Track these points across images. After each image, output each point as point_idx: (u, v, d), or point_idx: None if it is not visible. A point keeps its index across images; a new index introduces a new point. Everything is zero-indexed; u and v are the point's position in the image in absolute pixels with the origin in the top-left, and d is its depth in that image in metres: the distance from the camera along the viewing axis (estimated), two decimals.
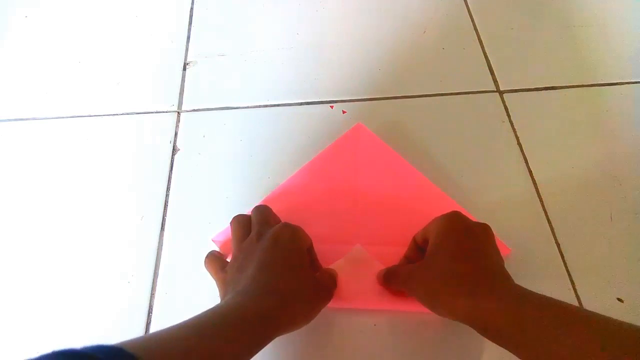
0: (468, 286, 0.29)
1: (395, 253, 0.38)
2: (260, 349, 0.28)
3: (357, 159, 0.44)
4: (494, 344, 0.32)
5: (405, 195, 0.42)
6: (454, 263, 0.30)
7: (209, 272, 0.35)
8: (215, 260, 0.35)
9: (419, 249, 0.36)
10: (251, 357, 0.27)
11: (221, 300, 0.32)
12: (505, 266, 0.37)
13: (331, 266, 0.38)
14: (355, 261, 0.38)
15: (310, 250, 0.36)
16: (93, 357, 0.20)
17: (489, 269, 0.30)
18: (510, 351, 0.27)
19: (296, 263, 0.32)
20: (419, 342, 0.36)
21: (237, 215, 0.37)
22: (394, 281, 0.35)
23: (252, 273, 0.31)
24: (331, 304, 0.35)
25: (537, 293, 0.28)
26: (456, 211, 0.34)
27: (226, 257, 0.37)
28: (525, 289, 0.28)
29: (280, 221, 0.37)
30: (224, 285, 0.33)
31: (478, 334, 0.35)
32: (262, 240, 0.33)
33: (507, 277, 0.30)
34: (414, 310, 0.35)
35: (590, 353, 0.23)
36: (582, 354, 0.23)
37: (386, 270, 0.37)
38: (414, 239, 0.37)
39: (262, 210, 0.37)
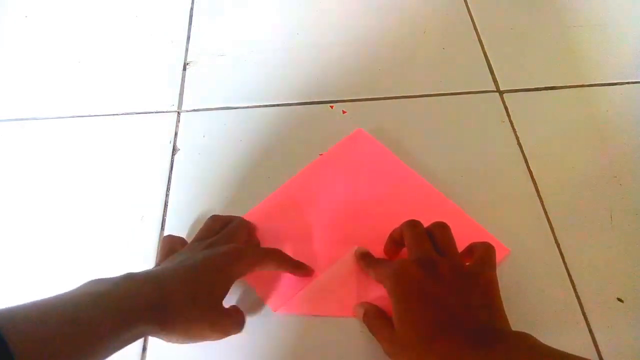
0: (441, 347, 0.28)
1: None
2: (129, 342, 0.27)
3: (357, 163, 0.44)
4: None
5: (406, 198, 0.42)
6: (426, 338, 0.28)
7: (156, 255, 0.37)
8: (165, 245, 0.37)
9: (395, 245, 0.37)
10: (119, 348, 0.26)
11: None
12: (505, 267, 0.37)
13: (328, 269, 0.38)
14: (353, 263, 0.38)
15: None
16: None
17: (473, 331, 0.28)
18: None
19: (212, 287, 0.31)
20: None
21: (213, 215, 0.39)
22: (378, 340, 0.33)
23: (171, 263, 0.32)
24: (325, 313, 0.36)
25: (533, 340, 0.27)
26: (400, 263, 0.32)
27: (255, 239, 0.39)
28: (522, 336, 0.27)
29: (252, 239, 0.38)
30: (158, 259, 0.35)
31: None
32: (209, 249, 0.33)
33: (494, 327, 0.29)
34: None
35: None
36: None
37: (369, 322, 0.34)
38: (391, 236, 0.37)
39: (237, 224, 0.37)
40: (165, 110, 0.49)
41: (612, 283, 0.38)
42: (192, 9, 0.57)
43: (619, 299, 0.37)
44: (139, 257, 0.40)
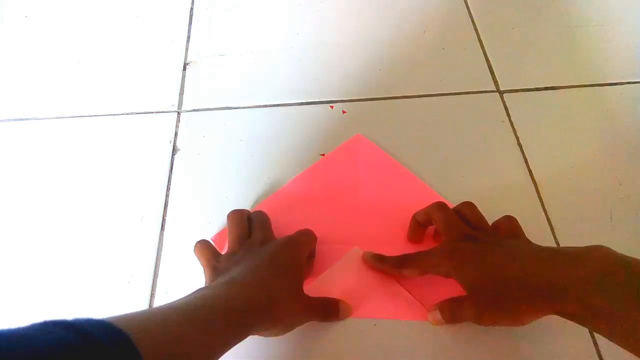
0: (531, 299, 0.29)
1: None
2: (240, 340, 0.28)
3: (356, 166, 0.44)
4: (496, 344, 0.32)
5: (405, 201, 0.42)
6: (501, 288, 0.30)
7: (199, 258, 0.36)
8: (207, 248, 0.36)
9: (421, 227, 0.38)
10: (230, 347, 0.27)
11: (208, 283, 0.33)
12: None
13: (328, 269, 0.38)
14: (352, 265, 0.38)
15: (311, 255, 0.37)
16: (81, 328, 0.20)
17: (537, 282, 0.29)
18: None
19: (293, 277, 0.33)
20: (419, 342, 0.36)
21: (234, 211, 0.38)
22: (444, 312, 0.34)
23: (248, 266, 0.32)
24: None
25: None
26: (448, 243, 0.34)
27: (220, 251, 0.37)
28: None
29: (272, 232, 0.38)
30: (215, 273, 0.33)
31: (478, 335, 0.35)
32: (266, 246, 0.34)
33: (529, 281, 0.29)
34: (410, 319, 0.36)
35: None
36: None
37: (449, 316, 0.34)
38: (415, 219, 0.37)
39: (265, 218, 0.38)
40: (165, 110, 0.49)
41: None
42: (192, 9, 0.57)
43: None
44: (139, 257, 0.40)
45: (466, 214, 0.36)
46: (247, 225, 0.37)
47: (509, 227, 0.35)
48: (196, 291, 0.30)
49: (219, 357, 0.27)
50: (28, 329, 0.19)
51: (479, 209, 0.37)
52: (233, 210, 0.38)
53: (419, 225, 0.38)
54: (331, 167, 0.44)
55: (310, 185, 0.43)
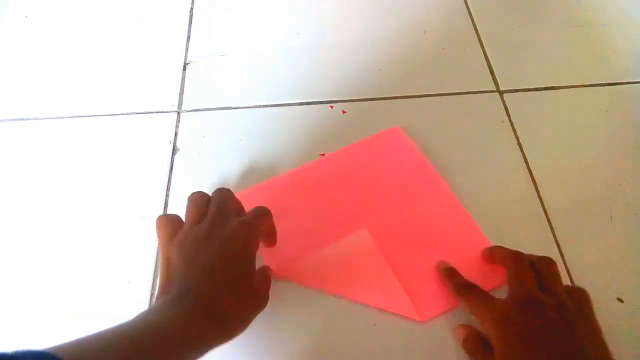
0: None
1: (402, 252, 0.39)
2: None
3: (384, 157, 0.45)
4: None
5: (427, 203, 0.42)
6: None
7: (157, 236, 0.35)
8: (166, 225, 0.34)
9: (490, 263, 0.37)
10: None
11: (159, 289, 0.32)
12: None
13: (330, 246, 0.38)
14: (356, 246, 0.39)
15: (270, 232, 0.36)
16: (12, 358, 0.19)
17: None
18: None
19: (242, 271, 0.31)
20: (419, 343, 0.36)
21: (194, 193, 0.36)
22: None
23: (196, 278, 0.30)
24: (318, 286, 0.37)
25: None
26: (504, 304, 0.31)
27: (241, 207, 0.37)
28: None
29: (240, 207, 0.37)
30: (166, 268, 0.32)
31: None
32: (215, 237, 0.31)
33: None
34: (400, 314, 0.36)
35: None
36: None
37: (469, 350, 0.33)
38: (485, 257, 0.37)
39: (223, 195, 0.35)
40: (165, 110, 0.49)
41: (612, 283, 0.38)
42: (192, 9, 0.57)
43: (619, 299, 0.37)
44: (139, 257, 0.40)
45: (542, 271, 0.33)
46: (204, 209, 0.35)
47: (580, 300, 0.32)
48: (139, 316, 0.28)
49: None
50: None
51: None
52: (193, 192, 0.36)
53: (486, 261, 0.37)
54: (360, 153, 0.45)
55: (330, 169, 0.44)
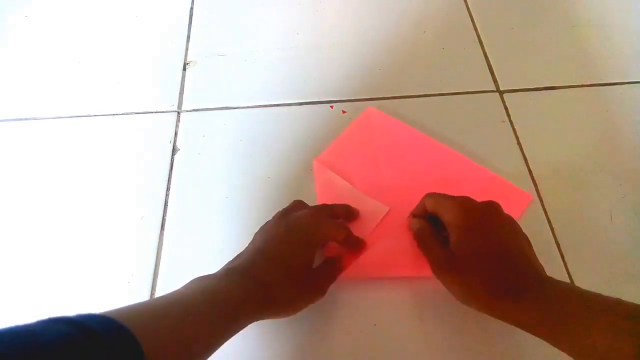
0: (510, 290, 0.29)
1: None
2: (239, 329, 0.29)
3: (375, 139, 0.45)
4: (495, 344, 0.32)
5: (432, 165, 0.44)
6: (489, 264, 0.30)
7: None
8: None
9: (426, 211, 0.37)
10: (229, 337, 0.28)
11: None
12: None
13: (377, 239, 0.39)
14: (370, 215, 0.40)
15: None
16: (84, 324, 0.21)
17: (525, 268, 0.30)
18: (551, 344, 0.27)
19: (298, 258, 0.33)
20: (419, 343, 0.36)
21: (297, 200, 0.39)
22: (423, 251, 0.35)
23: (252, 250, 0.33)
24: (385, 274, 0.38)
25: (575, 288, 0.29)
26: (466, 198, 0.34)
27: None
28: (562, 284, 0.29)
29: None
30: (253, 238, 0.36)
31: (478, 336, 0.35)
32: (282, 220, 0.35)
33: (540, 274, 0.30)
34: (416, 275, 0.37)
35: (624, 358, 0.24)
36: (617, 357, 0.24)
37: (421, 237, 0.36)
38: (424, 203, 0.37)
39: (301, 202, 0.39)
40: (165, 110, 0.49)
41: (612, 283, 0.38)
42: (192, 9, 0.57)
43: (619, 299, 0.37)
44: (139, 257, 0.40)
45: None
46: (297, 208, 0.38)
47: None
48: (194, 281, 0.30)
49: (218, 346, 0.27)
50: (34, 325, 0.21)
51: None
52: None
53: (424, 210, 0.38)
54: (348, 145, 0.45)
55: (331, 162, 0.44)
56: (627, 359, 0.23)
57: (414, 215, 0.39)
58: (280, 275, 0.31)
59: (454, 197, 0.35)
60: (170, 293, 0.28)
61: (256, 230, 0.36)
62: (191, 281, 0.30)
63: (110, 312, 0.23)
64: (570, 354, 0.26)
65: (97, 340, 0.21)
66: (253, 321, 0.30)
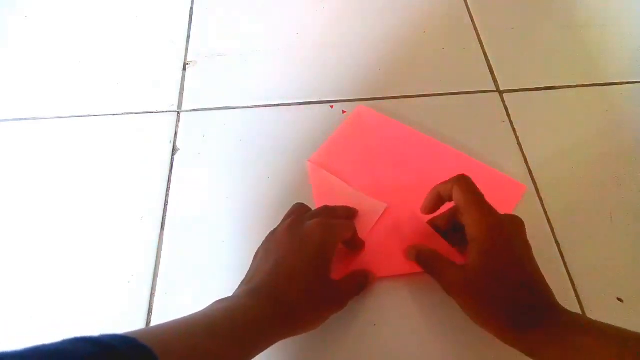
0: (525, 322, 0.29)
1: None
2: (263, 350, 0.29)
3: (367, 137, 0.46)
4: (495, 344, 0.32)
5: (425, 159, 0.44)
6: (507, 291, 0.30)
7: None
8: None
9: (440, 201, 0.35)
10: (252, 358, 0.28)
11: (246, 277, 0.34)
12: None
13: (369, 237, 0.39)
14: (368, 214, 0.40)
15: (351, 240, 0.37)
16: (109, 344, 0.21)
17: (541, 298, 0.30)
18: None
19: (315, 272, 0.32)
20: (419, 343, 0.36)
21: (297, 203, 0.39)
22: (433, 273, 0.34)
23: (269, 270, 0.32)
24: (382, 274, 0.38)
25: (586, 319, 0.29)
26: (493, 213, 0.32)
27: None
28: (573, 315, 0.29)
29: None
30: (254, 261, 0.35)
31: (479, 337, 0.35)
32: (294, 234, 0.34)
33: (554, 303, 0.30)
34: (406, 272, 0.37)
35: None
36: None
37: (425, 262, 0.35)
38: (438, 193, 0.34)
39: (303, 205, 0.38)
40: (165, 110, 0.49)
41: (612, 283, 0.38)
42: (192, 9, 0.57)
43: (619, 299, 0.37)
44: (139, 257, 0.40)
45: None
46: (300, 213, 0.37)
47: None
48: (217, 303, 0.30)
49: None
50: (61, 345, 0.21)
51: None
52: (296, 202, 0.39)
53: (439, 199, 0.35)
54: (341, 144, 0.45)
55: (325, 162, 0.44)
56: None
57: (425, 207, 0.36)
58: (302, 293, 0.31)
59: (482, 204, 0.32)
60: (193, 314, 0.28)
61: (256, 230, 0.36)
62: (213, 303, 0.30)
63: (134, 332, 0.23)
64: None
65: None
66: (278, 341, 0.30)
